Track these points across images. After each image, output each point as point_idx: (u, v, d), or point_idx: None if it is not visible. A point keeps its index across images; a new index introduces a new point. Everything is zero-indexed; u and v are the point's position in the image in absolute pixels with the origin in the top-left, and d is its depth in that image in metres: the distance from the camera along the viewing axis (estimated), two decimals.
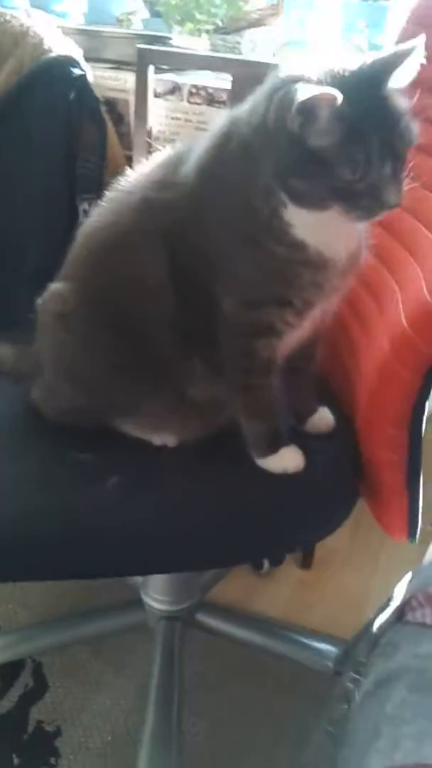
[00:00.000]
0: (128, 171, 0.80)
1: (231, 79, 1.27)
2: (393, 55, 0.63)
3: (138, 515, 0.74)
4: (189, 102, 1.41)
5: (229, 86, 1.30)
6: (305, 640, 1.22)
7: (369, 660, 0.66)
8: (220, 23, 1.72)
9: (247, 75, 1.26)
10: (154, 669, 1.08)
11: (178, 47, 1.51)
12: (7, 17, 1.36)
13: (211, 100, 1.39)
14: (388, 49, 0.63)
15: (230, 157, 0.69)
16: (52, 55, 1.34)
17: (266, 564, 1.41)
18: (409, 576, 0.74)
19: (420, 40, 0.62)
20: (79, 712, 1.15)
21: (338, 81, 0.61)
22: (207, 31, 1.73)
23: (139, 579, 1.18)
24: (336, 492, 0.84)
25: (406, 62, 0.62)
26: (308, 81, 0.60)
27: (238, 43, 1.73)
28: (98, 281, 0.78)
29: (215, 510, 0.77)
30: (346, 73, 0.62)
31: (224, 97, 1.36)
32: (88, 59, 1.45)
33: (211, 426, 0.82)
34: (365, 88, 0.62)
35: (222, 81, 1.36)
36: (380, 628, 0.69)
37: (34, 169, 1.36)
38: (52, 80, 1.33)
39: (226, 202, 0.70)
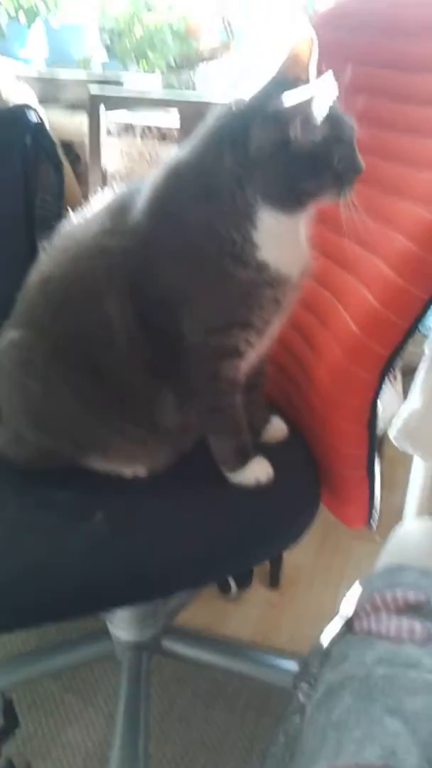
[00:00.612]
0: (72, 216, 0.82)
1: (179, 116, 1.32)
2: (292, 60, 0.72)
3: (132, 546, 0.76)
4: (142, 139, 1.46)
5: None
6: (273, 660, 1.23)
7: (320, 672, 0.67)
8: (173, 61, 1.78)
9: (194, 112, 1.31)
10: (120, 698, 1.08)
11: (129, 89, 1.57)
12: None
13: (164, 137, 1.45)
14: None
15: (184, 197, 0.74)
16: (9, 103, 1.38)
17: (234, 587, 1.42)
18: (358, 587, 0.76)
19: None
20: (49, 747, 1.14)
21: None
22: (161, 69, 1.79)
23: None
24: (300, 496, 0.89)
25: None
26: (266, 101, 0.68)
27: (192, 78, 1.79)
28: (61, 328, 0.80)
29: (199, 532, 0.79)
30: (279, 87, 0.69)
31: (175, 133, 1.41)
32: (46, 102, 1.51)
33: (179, 451, 0.85)
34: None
35: (173, 118, 1.41)
36: (331, 640, 0.71)
37: None
38: (9, 127, 1.37)
39: (184, 240, 0.74)
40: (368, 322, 0.77)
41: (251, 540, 0.83)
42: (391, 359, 0.78)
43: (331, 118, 0.69)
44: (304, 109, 0.66)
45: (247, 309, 0.76)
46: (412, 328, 0.75)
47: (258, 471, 0.83)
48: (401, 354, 0.79)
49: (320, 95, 0.66)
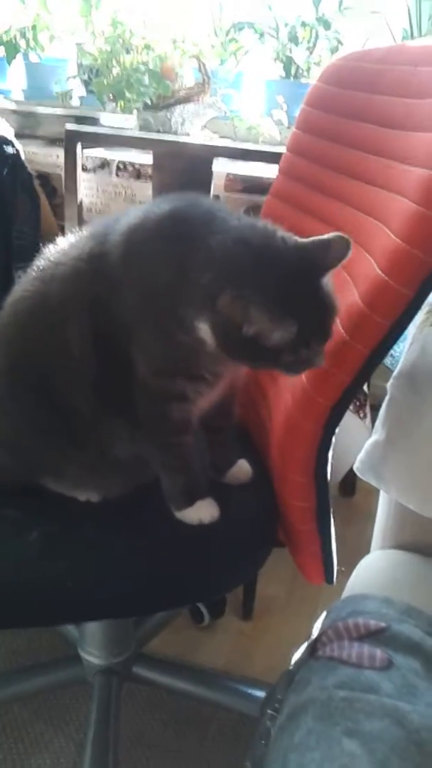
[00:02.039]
0: (57, 241, 0.83)
1: (153, 155, 1.37)
2: (323, 246, 0.68)
3: (54, 568, 0.78)
4: (117, 176, 1.50)
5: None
6: (245, 689, 1.24)
7: (285, 696, 0.69)
8: (149, 101, 1.83)
9: (168, 151, 1.36)
10: (90, 724, 1.09)
11: (106, 127, 1.61)
12: None
13: (138, 174, 1.49)
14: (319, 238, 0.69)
15: (165, 251, 0.73)
16: None
17: (207, 616, 1.43)
18: (323, 614, 0.79)
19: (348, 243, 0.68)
20: None
21: (278, 279, 0.67)
22: (137, 108, 1.83)
23: (75, 633, 1.19)
24: (252, 539, 0.89)
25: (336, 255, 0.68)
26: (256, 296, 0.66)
27: (168, 118, 1.84)
28: (23, 347, 0.82)
29: (129, 561, 0.80)
30: (283, 270, 0.68)
31: (150, 171, 1.45)
32: (23, 136, 1.55)
33: (133, 481, 0.86)
34: (302, 280, 0.68)
35: (148, 156, 1.46)
36: (295, 665, 0.73)
37: None
38: None
39: (147, 283, 0.74)
40: (312, 372, 0.77)
41: (179, 576, 0.83)
42: (334, 412, 0.77)
43: (302, 327, 0.67)
44: (269, 321, 0.66)
45: (189, 365, 0.76)
46: (355, 383, 0.75)
47: (202, 512, 0.83)
48: (346, 407, 0.78)
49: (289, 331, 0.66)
